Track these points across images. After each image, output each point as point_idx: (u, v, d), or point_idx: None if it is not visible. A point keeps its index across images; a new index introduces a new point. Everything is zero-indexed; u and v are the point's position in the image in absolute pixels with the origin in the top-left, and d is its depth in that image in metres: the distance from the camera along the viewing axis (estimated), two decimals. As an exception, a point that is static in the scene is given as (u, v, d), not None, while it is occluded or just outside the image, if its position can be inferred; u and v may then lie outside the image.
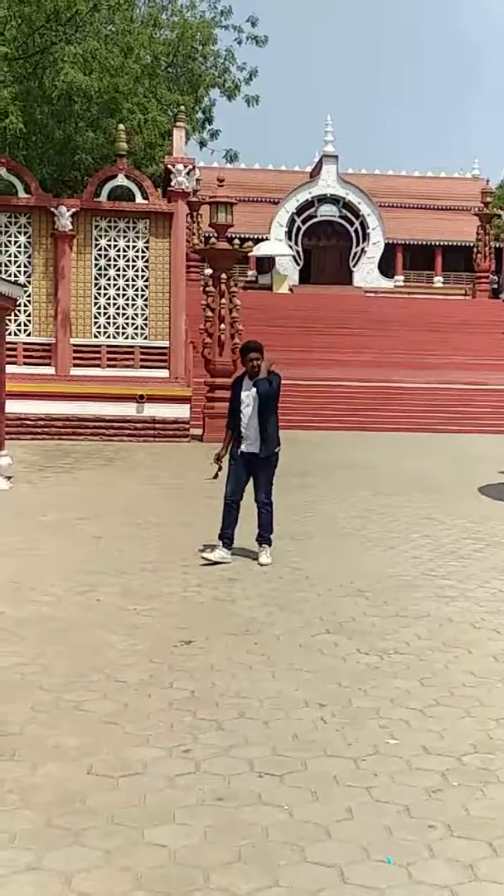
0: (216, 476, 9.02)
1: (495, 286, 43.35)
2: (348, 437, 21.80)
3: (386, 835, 3.77)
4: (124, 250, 21.30)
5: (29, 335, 21.11)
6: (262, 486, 8.93)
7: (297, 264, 50.02)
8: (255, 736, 4.71)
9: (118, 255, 21.31)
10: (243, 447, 8.83)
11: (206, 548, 8.84)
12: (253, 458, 8.84)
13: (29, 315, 21.08)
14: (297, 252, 50.03)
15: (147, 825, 3.80)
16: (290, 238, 49.84)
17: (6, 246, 21.11)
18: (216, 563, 8.53)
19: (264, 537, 8.90)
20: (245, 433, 8.81)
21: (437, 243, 52.55)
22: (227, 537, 8.77)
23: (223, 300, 21.95)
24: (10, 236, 21.12)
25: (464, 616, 7.02)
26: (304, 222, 50.27)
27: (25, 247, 21.16)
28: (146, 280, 21.32)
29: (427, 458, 18.39)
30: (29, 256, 21.17)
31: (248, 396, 8.82)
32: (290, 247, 49.55)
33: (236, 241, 24.87)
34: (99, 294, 21.32)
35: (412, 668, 5.78)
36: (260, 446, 8.81)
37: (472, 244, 44.53)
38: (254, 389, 8.79)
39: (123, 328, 21.35)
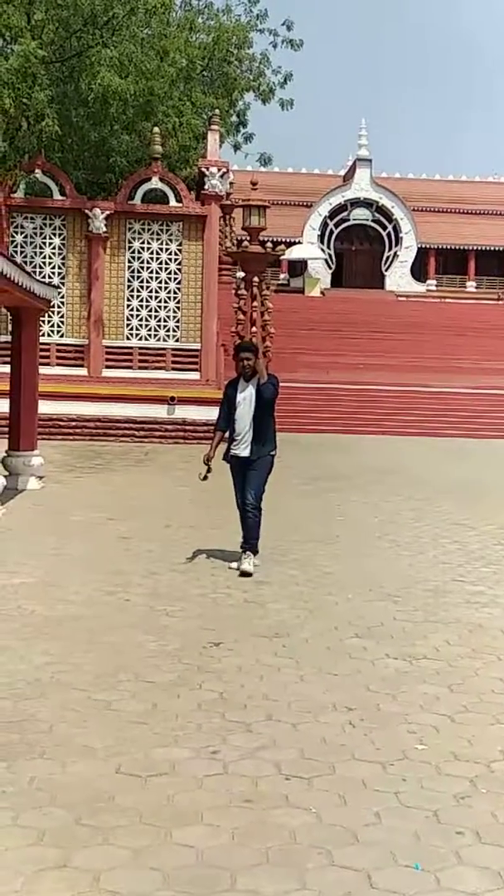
0: (205, 478, 8.76)
1: (529, 291, 43.08)
2: (378, 441, 21.74)
3: (414, 840, 3.76)
4: (157, 253, 21.39)
5: (62, 336, 21.24)
6: (251, 488, 8.61)
7: (330, 268, 49.96)
8: (283, 738, 4.72)
9: (151, 258, 21.40)
10: (235, 450, 8.64)
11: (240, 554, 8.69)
12: (243, 461, 8.62)
13: (62, 316, 21.22)
14: (330, 255, 49.97)
15: (175, 825, 3.81)
16: (322, 241, 49.80)
17: (41, 247, 21.26)
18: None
19: (250, 544, 8.55)
20: (238, 435, 8.61)
21: (470, 248, 52.22)
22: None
23: (255, 303, 21.97)
24: (44, 238, 21.28)
25: (493, 622, 6.98)
26: (336, 226, 50.22)
27: (60, 248, 21.31)
28: (178, 283, 21.40)
29: (458, 463, 18.31)
30: (63, 258, 21.31)
31: (244, 398, 8.60)
32: (323, 250, 49.50)
33: (269, 244, 24.86)
34: (131, 296, 21.42)
35: (441, 674, 5.76)
36: (251, 449, 8.58)
37: (505, 249, 44.26)
38: (252, 391, 8.57)
39: (155, 330, 21.44)
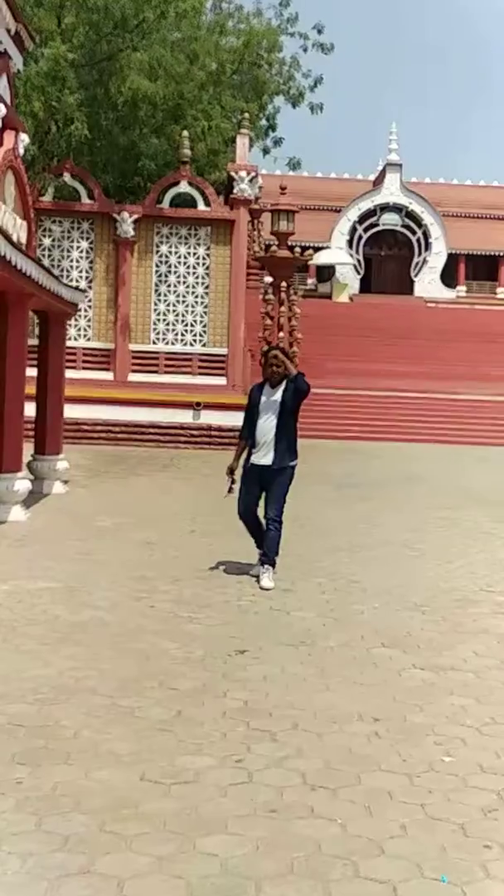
0: (230, 490, 8.48)
1: None
2: (406, 449, 21.66)
3: (440, 853, 3.71)
4: (185, 257, 21.42)
5: (89, 340, 21.33)
6: (273, 502, 8.28)
7: (358, 273, 49.92)
8: (308, 748, 4.68)
9: (178, 262, 21.44)
10: (254, 458, 8.26)
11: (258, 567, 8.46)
12: (265, 471, 8.25)
13: (89, 320, 21.31)
14: (358, 261, 49.93)
15: (199, 834, 3.78)
16: (351, 246, 49.78)
17: (68, 251, 21.36)
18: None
19: (269, 558, 8.23)
20: (259, 441, 8.26)
21: (501, 254, 52.03)
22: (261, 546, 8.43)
23: (282, 308, 22.01)
24: (72, 241, 21.37)
25: (522, 633, 6.91)
26: (365, 231, 50.18)
27: (87, 252, 21.39)
28: (206, 287, 21.42)
29: (486, 471, 18.21)
30: (90, 262, 21.39)
31: (268, 403, 8.25)
32: (351, 255, 49.47)
33: (297, 248, 24.88)
34: (158, 300, 21.47)
35: (469, 686, 5.70)
36: (273, 457, 8.20)
37: (536, 255, 44.00)
38: (278, 395, 8.22)
39: (182, 335, 21.46)
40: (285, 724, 4.98)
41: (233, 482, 8.47)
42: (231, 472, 8.45)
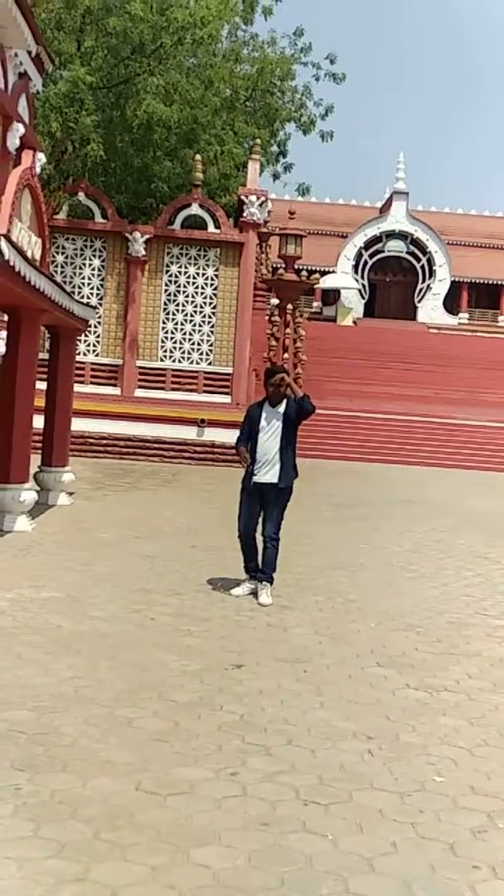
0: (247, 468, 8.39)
1: None
2: (405, 472, 21.72)
3: (429, 872, 3.75)
4: (194, 277, 21.58)
5: (97, 356, 21.47)
6: (272, 519, 8.39)
7: (363, 298, 50.13)
8: (302, 764, 4.73)
9: (188, 282, 21.60)
10: (257, 477, 8.31)
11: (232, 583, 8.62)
12: (267, 489, 8.33)
13: (98, 336, 21.45)
14: (363, 286, 50.14)
15: (192, 845, 3.82)
16: (356, 272, 50.00)
17: (80, 268, 21.52)
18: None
19: (266, 574, 8.35)
20: (261, 459, 8.30)
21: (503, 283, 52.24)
22: (252, 570, 8.49)
23: (288, 330, 22.12)
24: (84, 259, 21.54)
25: (516, 658, 6.96)
26: (371, 257, 50.42)
27: (99, 270, 21.56)
28: (213, 307, 21.56)
29: (483, 495, 18.25)
30: (102, 279, 21.56)
31: (270, 421, 8.32)
32: (357, 280, 49.69)
33: (303, 272, 25.04)
34: (167, 319, 21.61)
35: (461, 707, 5.76)
36: (279, 475, 8.26)
37: (540, 285, 44.13)
38: (280, 415, 8.31)
39: (189, 353, 21.59)
40: (280, 739, 5.03)
41: (247, 460, 8.37)
42: (245, 458, 8.37)
